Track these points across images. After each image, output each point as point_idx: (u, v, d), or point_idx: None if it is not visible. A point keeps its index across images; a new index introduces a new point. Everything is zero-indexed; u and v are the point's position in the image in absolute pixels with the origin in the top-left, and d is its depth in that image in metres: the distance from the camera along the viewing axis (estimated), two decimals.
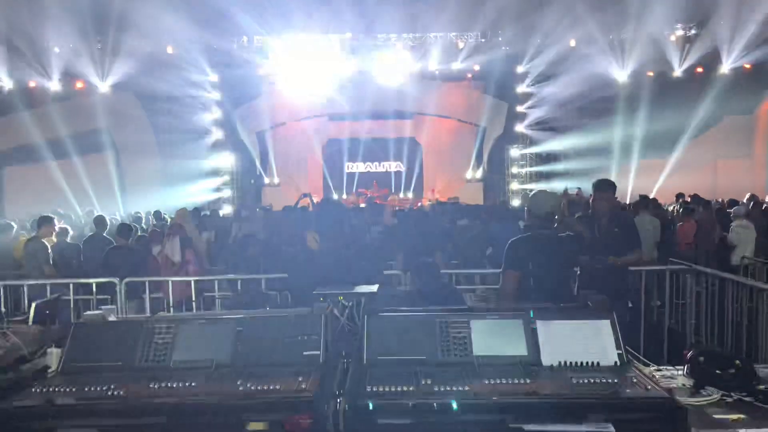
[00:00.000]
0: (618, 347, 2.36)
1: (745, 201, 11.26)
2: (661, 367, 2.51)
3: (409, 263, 6.00)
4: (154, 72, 16.90)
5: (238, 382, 2.18)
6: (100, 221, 8.25)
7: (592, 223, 4.92)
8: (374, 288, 2.72)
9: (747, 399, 2.19)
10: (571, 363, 2.31)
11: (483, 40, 17.72)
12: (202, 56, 17.45)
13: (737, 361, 2.33)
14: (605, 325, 2.42)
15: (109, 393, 2.15)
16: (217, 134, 19.47)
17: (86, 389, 2.18)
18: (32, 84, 16.95)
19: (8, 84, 16.63)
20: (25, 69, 16.32)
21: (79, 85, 17.38)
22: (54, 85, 17.01)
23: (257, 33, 17.48)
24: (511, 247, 4.13)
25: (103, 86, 17.19)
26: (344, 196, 21.08)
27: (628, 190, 17.59)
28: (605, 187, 4.98)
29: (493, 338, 2.40)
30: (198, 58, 17.40)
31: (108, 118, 17.56)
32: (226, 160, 19.93)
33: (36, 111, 16.69)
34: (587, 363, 2.31)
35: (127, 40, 16.17)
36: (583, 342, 2.38)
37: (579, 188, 13.44)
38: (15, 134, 16.71)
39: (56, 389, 2.19)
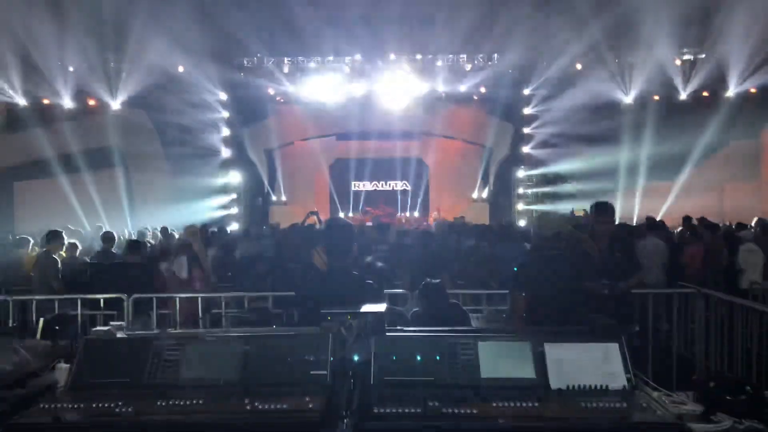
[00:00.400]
0: (627, 371, 2.35)
1: (753, 225, 11.22)
2: (670, 392, 2.49)
3: (416, 283, 6.01)
4: (165, 90, 17.11)
5: (246, 401, 2.17)
6: (108, 237, 8.31)
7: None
8: (382, 308, 2.72)
9: (759, 426, 2.17)
10: (579, 386, 2.30)
11: (489, 62, 17.86)
12: (212, 75, 17.66)
13: (748, 387, 2.32)
14: (614, 348, 2.41)
15: (117, 410, 2.15)
16: (226, 152, 19.63)
17: (94, 406, 2.18)
18: (46, 101, 17.18)
19: (22, 101, 16.85)
20: (40, 87, 16.56)
21: (91, 102, 17.62)
22: (67, 103, 17.24)
23: (267, 54, 17.69)
24: (518, 268, 4.13)
25: (115, 104, 17.41)
26: (351, 215, 21.14)
27: (634, 213, 17.58)
28: (604, 210, 4.97)
29: (500, 360, 2.40)
30: (208, 78, 17.62)
31: (119, 135, 17.75)
32: (234, 178, 20.06)
33: (48, 127, 16.89)
34: (596, 387, 2.30)
35: (139, 59, 16.41)
36: (592, 365, 2.37)
37: (585, 210, 13.42)
38: (27, 150, 16.88)
39: (64, 405, 2.19)
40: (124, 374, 2.41)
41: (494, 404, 2.14)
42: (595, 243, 4.85)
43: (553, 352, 2.40)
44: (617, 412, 2.09)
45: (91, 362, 2.47)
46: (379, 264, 4.48)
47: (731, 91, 17.35)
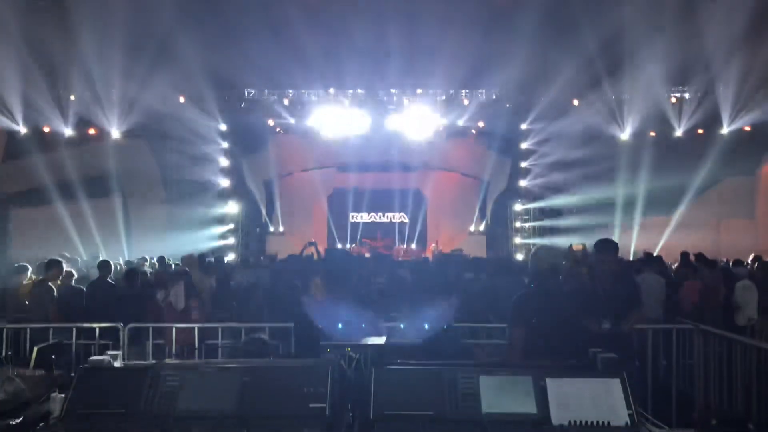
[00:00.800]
0: (629, 407, 2.33)
1: (749, 261, 11.24)
2: (672, 429, 2.47)
3: (413, 314, 5.97)
4: (166, 120, 17.24)
5: None
6: (104, 266, 8.25)
7: (594, 284, 4.88)
8: (382, 340, 2.71)
9: None
10: (581, 422, 2.28)
11: (488, 97, 18.09)
12: (213, 106, 17.81)
13: (751, 426, 2.30)
14: (615, 384, 2.39)
15: None
16: (225, 182, 19.68)
17: None
18: (46, 129, 17.27)
19: (23, 129, 16.93)
20: (41, 114, 16.66)
21: (92, 131, 17.70)
22: (68, 131, 17.33)
23: (268, 86, 17.89)
24: (516, 303, 4.11)
25: (116, 133, 17.50)
26: (348, 246, 21.13)
27: (630, 248, 17.60)
28: (607, 248, 4.89)
29: (502, 395, 2.38)
30: (209, 108, 17.76)
31: (118, 164, 17.79)
32: (232, 208, 20.07)
33: (48, 155, 16.93)
34: (597, 422, 2.28)
35: (141, 88, 16.56)
36: (593, 401, 2.35)
37: (584, 244, 13.44)
38: (25, 177, 16.90)
39: None
40: (119, 404, 2.38)
41: None
42: (597, 281, 4.83)
43: (555, 387, 2.38)
44: None
45: (86, 392, 2.43)
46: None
47: (726, 129, 17.55)
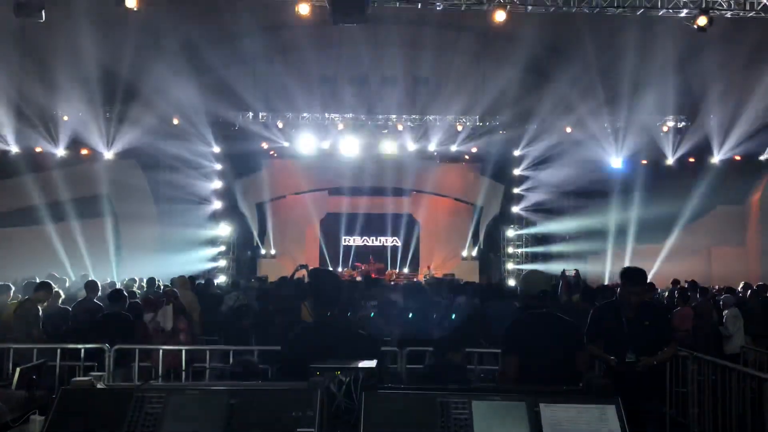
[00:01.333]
0: None
1: (740, 289, 11.27)
2: None
3: (404, 340, 5.90)
4: (159, 142, 17.24)
5: None
6: (91, 286, 8.14)
7: (618, 315, 4.47)
8: (373, 363, 2.65)
9: None
10: None
11: (481, 123, 18.23)
12: (206, 128, 17.83)
13: None
14: (611, 410, 2.34)
15: None
16: (217, 204, 19.62)
17: None
18: (38, 149, 17.22)
19: (15, 149, 16.88)
20: (33, 135, 16.63)
21: (84, 152, 17.66)
22: (60, 152, 17.28)
23: (262, 110, 17.96)
24: (509, 330, 4.05)
25: (108, 154, 17.47)
26: (340, 270, 21.04)
27: None
28: (637, 280, 4.47)
29: (495, 420, 2.32)
30: (203, 130, 17.78)
31: (109, 185, 17.75)
32: (224, 230, 19.99)
33: (39, 175, 16.87)
34: None
35: (134, 110, 16.60)
36: (588, 427, 2.29)
37: (576, 270, 13.45)
38: (15, 197, 16.81)
39: None
40: (102, 427, 2.30)
41: None
42: (622, 311, 4.45)
43: (549, 412, 2.33)
44: None
45: (67, 414, 2.36)
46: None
47: (717, 158, 17.75)
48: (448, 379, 3.95)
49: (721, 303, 9.41)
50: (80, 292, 9.43)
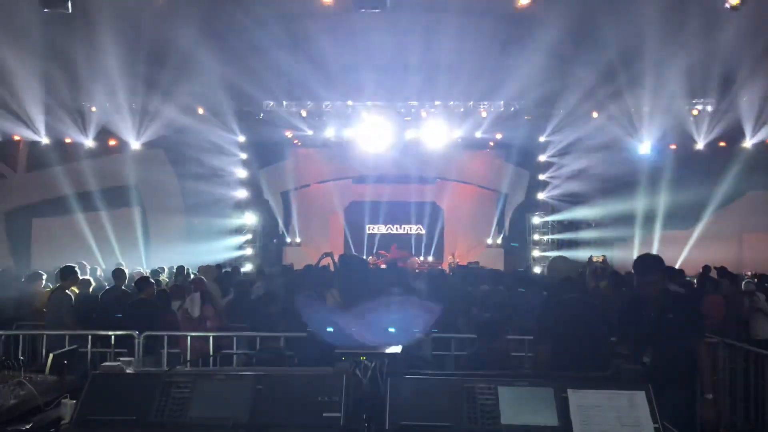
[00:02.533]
0: (654, 421, 2.24)
1: None
2: None
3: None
4: (185, 131, 17.41)
5: None
6: (119, 274, 8.28)
7: (639, 310, 4.05)
8: (398, 348, 2.64)
9: None
10: None
11: (504, 109, 18.00)
12: (231, 118, 17.95)
13: None
14: (640, 396, 2.30)
15: None
16: (242, 193, 19.79)
17: None
18: (68, 140, 17.53)
19: (45, 139, 17.22)
20: (63, 126, 16.92)
21: (112, 142, 17.93)
22: (89, 142, 17.56)
23: (286, 98, 18.00)
24: (539, 320, 3.99)
25: (135, 144, 17.70)
26: (365, 258, 21.08)
27: None
28: (648, 269, 3.98)
29: (522, 407, 2.30)
30: (227, 120, 17.91)
31: (137, 175, 18.01)
32: (250, 219, 20.16)
33: (68, 166, 17.20)
34: None
35: (160, 100, 16.77)
36: (617, 414, 2.26)
37: (604, 256, 13.23)
38: (46, 187, 17.17)
39: None
40: (130, 411, 2.34)
41: None
42: (643, 308, 4.00)
43: (577, 398, 2.30)
44: None
45: (97, 398, 2.40)
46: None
47: (748, 142, 17.28)
48: (496, 365, 3.91)
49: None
50: (109, 280, 9.62)
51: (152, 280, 7.49)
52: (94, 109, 17.15)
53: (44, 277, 8.30)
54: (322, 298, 7.08)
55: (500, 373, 2.62)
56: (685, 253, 17.50)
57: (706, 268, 11.30)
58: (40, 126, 16.67)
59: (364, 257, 20.95)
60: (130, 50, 14.82)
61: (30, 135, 16.82)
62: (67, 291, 7.16)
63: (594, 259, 9.39)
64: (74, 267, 7.43)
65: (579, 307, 3.94)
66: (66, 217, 16.95)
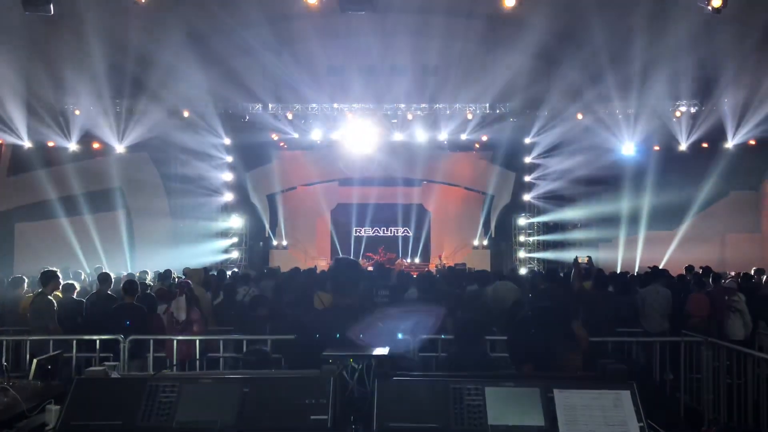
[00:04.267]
0: (639, 419, 2.25)
1: (753, 273, 11.19)
2: None
3: (417, 329, 5.89)
4: (170, 134, 17.29)
5: None
6: (104, 278, 8.21)
7: None
8: (386, 351, 2.64)
9: None
10: None
11: (491, 111, 18.08)
12: (216, 120, 17.86)
13: None
14: (626, 395, 2.32)
15: None
16: (228, 196, 19.70)
17: None
18: (51, 144, 17.33)
19: (27, 143, 17.01)
20: (46, 129, 16.73)
21: (96, 145, 17.75)
22: (72, 146, 17.37)
23: (271, 101, 17.95)
24: (510, 349, 3.99)
25: (120, 147, 17.54)
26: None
27: (636, 261, 17.51)
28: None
29: (508, 407, 2.31)
30: (212, 122, 17.81)
31: (122, 178, 17.87)
32: (236, 222, 20.08)
33: (52, 169, 17.02)
34: None
35: (145, 103, 16.65)
36: (603, 413, 2.27)
37: (589, 257, 13.36)
38: (29, 191, 16.99)
39: None
40: (116, 416, 2.31)
41: None
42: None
43: (563, 398, 2.31)
44: None
45: (82, 403, 2.37)
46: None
47: (731, 143, 17.50)
48: (475, 366, 3.92)
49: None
50: (94, 284, 9.53)
51: (143, 283, 7.43)
52: (77, 112, 16.96)
53: (26, 282, 8.20)
54: (310, 300, 7.08)
55: (487, 374, 2.63)
56: (669, 254, 17.69)
57: (690, 268, 11.43)
58: (23, 129, 16.47)
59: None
60: (113, 52, 14.71)
61: (12, 139, 16.60)
62: (49, 296, 7.08)
63: (579, 260, 9.44)
64: (56, 271, 7.34)
65: (542, 320, 3.96)
66: (49, 221, 16.77)
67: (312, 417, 2.28)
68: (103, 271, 9.43)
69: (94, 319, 7.08)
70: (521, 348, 3.81)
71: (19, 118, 16.10)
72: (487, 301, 5.17)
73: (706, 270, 10.69)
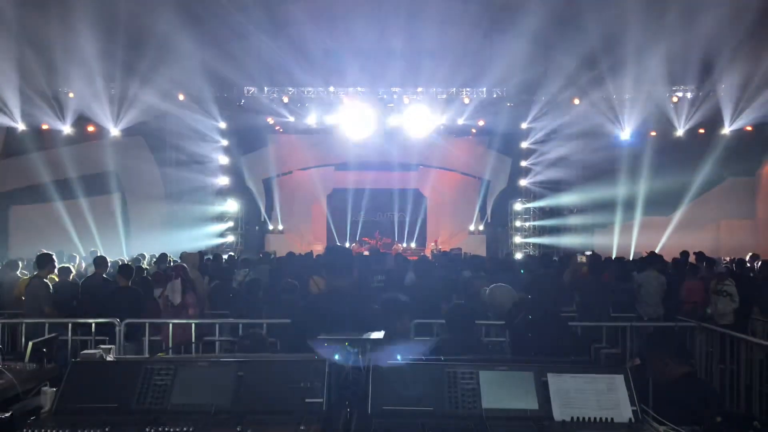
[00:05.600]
0: (632, 403, 2.27)
1: (748, 259, 11.24)
2: (675, 427, 2.41)
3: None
4: (165, 118, 17.17)
5: (238, 429, 2.09)
6: (101, 262, 8.19)
7: None
8: (380, 335, 2.65)
9: None
10: (583, 418, 2.22)
11: (488, 96, 18.01)
12: (212, 104, 17.74)
13: (756, 423, 2.24)
14: (619, 380, 2.34)
15: None
16: (224, 180, 19.62)
17: (79, 431, 2.09)
18: (45, 126, 17.19)
19: (21, 126, 16.87)
20: (39, 112, 16.58)
21: (90, 128, 17.62)
22: (66, 129, 17.24)
23: (267, 84, 17.83)
24: (511, 337, 4.04)
25: (114, 130, 17.42)
26: (347, 245, 21.08)
27: (631, 247, 17.58)
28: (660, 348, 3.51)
29: (502, 391, 2.32)
30: (208, 106, 17.70)
31: (116, 162, 17.76)
32: (232, 206, 20.02)
33: (46, 152, 16.90)
34: (600, 419, 2.22)
35: (140, 86, 16.51)
36: (596, 397, 2.29)
37: (590, 253, 13.43)
38: (24, 174, 16.89)
39: (48, 430, 2.10)
40: (111, 399, 2.32)
41: None
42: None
43: (557, 382, 2.33)
44: None
45: (78, 386, 2.38)
46: (402, 298, 4.31)
47: (727, 129, 17.50)
48: (469, 351, 3.95)
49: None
50: (90, 268, 9.53)
51: (139, 267, 7.42)
52: (71, 94, 16.81)
53: (21, 264, 8.19)
54: (306, 285, 7.09)
55: (482, 358, 2.64)
56: (664, 239, 17.76)
57: (684, 254, 11.47)
58: (16, 112, 16.33)
59: (347, 244, 20.96)
60: (107, 34, 14.54)
61: (6, 121, 16.46)
62: (45, 279, 7.07)
63: (579, 259, 9.49)
64: (51, 255, 7.32)
65: (542, 323, 4.00)
66: (44, 204, 16.70)
67: (307, 400, 2.29)
68: (99, 254, 9.40)
69: (90, 302, 7.07)
70: (524, 350, 3.86)
71: (12, 101, 15.96)
72: (484, 303, 5.21)
73: (700, 255, 10.73)
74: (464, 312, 4.29)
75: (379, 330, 2.68)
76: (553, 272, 8.88)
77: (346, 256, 3.78)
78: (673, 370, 3.37)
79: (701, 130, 17.92)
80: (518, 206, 20.30)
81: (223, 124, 18.85)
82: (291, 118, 18.53)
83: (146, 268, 9.96)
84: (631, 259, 13.21)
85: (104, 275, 7.93)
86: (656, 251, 13.74)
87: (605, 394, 2.30)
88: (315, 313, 3.45)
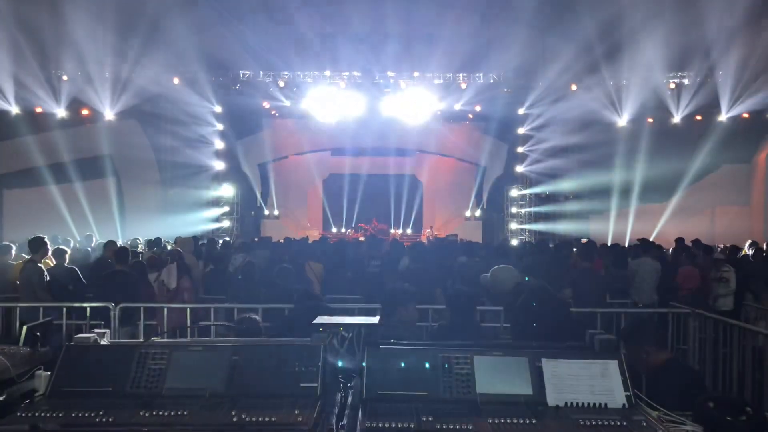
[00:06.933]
0: (626, 389, 2.28)
1: (747, 247, 11.27)
2: (668, 412, 2.43)
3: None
4: (160, 101, 17.05)
5: (232, 413, 2.09)
6: (110, 245, 8.18)
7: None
8: (375, 319, 2.65)
9: None
10: (577, 404, 2.23)
11: (485, 81, 17.92)
12: (207, 88, 17.61)
13: (748, 408, 2.25)
14: (613, 365, 2.34)
15: (97, 419, 2.06)
16: (219, 165, 19.54)
17: (73, 415, 2.09)
18: (38, 110, 17.04)
19: (15, 109, 16.72)
20: (33, 95, 16.43)
21: (84, 112, 17.48)
22: (60, 112, 17.10)
23: (263, 68, 17.69)
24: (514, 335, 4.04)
25: (109, 114, 17.29)
26: (343, 231, 21.10)
27: (627, 234, 17.63)
28: (640, 336, 3.50)
29: (497, 376, 2.33)
30: (203, 90, 17.56)
31: (111, 145, 17.65)
32: (227, 191, 19.96)
33: (40, 136, 16.78)
34: (594, 404, 2.23)
35: (135, 69, 16.36)
36: (590, 382, 2.30)
37: (587, 240, 13.43)
38: (18, 158, 16.78)
39: (42, 414, 2.10)
40: (106, 383, 2.31)
41: (490, 420, 2.07)
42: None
43: (551, 367, 2.33)
44: (616, 430, 2.02)
45: (72, 370, 2.37)
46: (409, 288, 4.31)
47: (724, 116, 17.48)
48: (465, 337, 3.97)
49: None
50: (86, 252, 9.49)
51: (134, 251, 7.40)
52: (65, 77, 16.66)
53: (14, 248, 8.15)
54: (302, 270, 7.09)
55: (476, 343, 2.64)
56: (660, 226, 17.81)
57: (680, 241, 11.50)
58: (9, 95, 16.17)
59: (343, 230, 20.96)
60: (102, 16, 14.39)
61: None
62: (38, 263, 7.04)
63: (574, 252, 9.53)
64: (44, 238, 7.29)
65: (542, 301, 4.00)
66: (38, 188, 16.61)
67: (301, 384, 2.29)
68: (95, 237, 9.38)
69: (86, 287, 7.06)
70: (524, 335, 3.87)
71: (5, 84, 15.81)
72: (483, 287, 5.21)
73: (696, 242, 10.76)
74: (466, 297, 4.30)
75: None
76: (548, 258, 8.90)
77: (340, 244, 3.79)
78: (654, 358, 3.45)
79: (698, 117, 17.91)
80: (514, 192, 20.30)
81: (218, 108, 18.72)
82: (287, 103, 18.42)
83: (141, 252, 9.93)
84: (626, 245, 13.23)
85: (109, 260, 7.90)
86: (651, 238, 13.79)
87: (599, 380, 2.31)
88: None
